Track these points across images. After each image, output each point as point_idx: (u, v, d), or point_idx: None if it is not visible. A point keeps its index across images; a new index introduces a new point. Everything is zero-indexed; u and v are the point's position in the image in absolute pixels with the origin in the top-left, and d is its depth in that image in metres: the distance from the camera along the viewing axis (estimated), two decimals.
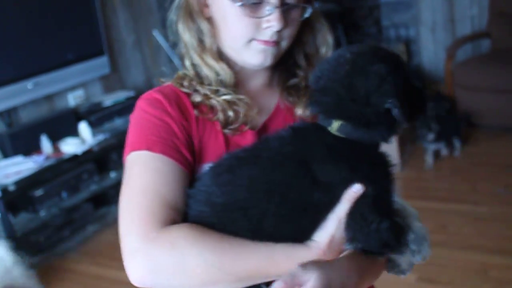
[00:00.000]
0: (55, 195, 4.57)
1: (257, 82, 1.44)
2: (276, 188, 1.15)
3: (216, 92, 1.37)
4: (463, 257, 3.70)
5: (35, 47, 4.89)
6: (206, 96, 1.36)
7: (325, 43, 1.44)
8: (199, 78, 1.40)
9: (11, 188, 4.21)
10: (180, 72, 1.45)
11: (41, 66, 4.93)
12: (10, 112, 4.80)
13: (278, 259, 1.11)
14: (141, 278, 1.13)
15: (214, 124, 1.35)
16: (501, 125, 5.53)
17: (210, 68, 1.37)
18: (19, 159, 4.51)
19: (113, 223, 4.91)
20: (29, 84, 4.80)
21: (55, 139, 4.78)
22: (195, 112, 1.34)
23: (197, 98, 1.36)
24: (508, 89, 5.38)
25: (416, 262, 1.23)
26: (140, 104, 1.37)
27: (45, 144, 4.65)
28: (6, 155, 4.60)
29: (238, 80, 1.40)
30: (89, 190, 4.85)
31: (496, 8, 6.00)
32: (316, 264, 1.07)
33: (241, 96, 1.37)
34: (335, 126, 1.18)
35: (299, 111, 1.40)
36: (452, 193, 4.50)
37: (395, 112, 1.15)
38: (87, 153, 4.79)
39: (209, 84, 1.38)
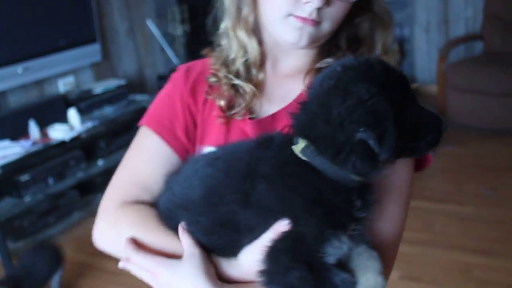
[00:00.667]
0: (41, 181, 4.55)
1: (289, 64, 1.35)
2: (213, 197, 1.11)
3: (228, 75, 1.34)
4: (447, 256, 3.72)
5: (27, 31, 4.85)
6: (219, 78, 1.35)
7: (383, 30, 1.31)
8: (226, 59, 1.36)
9: None
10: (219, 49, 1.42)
11: (32, 51, 4.89)
12: None
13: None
14: (94, 241, 1.33)
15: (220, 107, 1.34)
16: (490, 127, 5.56)
17: (239, 42, 1.33)
18: (5, 143, 4.48)
19: None
20: (19, 68, 4.76)
21: (43, 125, 4.75)
22: (205, 89, 1.37)
23: (212, 79, 1.36)
24: (499, 92, 5.40)
25: None
26: (171, 75, 1.43)
27: (33, 129, 4.62)
28: None
29: (269, 59, 1.35)
30: (75, 177, 4.82)
31: (490, 10, 6.02)
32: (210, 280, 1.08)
33: (248, 85, 1.33)
34: (300, 146, 1.06)
35: None
36: (438, 193, 4.51)
37: (371, 143, 0.99)
38: (75, 140, 4.77)
39: (230, 65, 1.35)
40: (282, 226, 1.02)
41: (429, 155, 1.26)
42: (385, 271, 1.14)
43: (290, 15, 1.21)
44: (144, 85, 6.30)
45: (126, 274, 3.99)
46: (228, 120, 1.33)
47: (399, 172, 1.21)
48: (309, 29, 1.22)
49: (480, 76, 5.52)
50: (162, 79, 5.92)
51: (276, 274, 1.02)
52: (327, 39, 1.29)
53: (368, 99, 1.00)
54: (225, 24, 1.36)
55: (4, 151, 4.36)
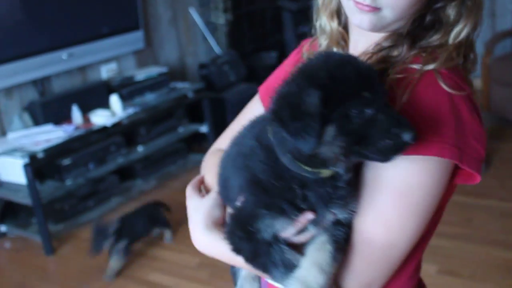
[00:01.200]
0: (82, 165, 4.63)
1: (361, 46, 1.35)
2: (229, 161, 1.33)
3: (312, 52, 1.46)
4: (487, 252, 3.65)
5: (72, 18, 4.93)
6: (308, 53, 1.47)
7: (465, 19, 1.24)
8: (314, 38, 1.49)
9: (40, 155, 4.26)
10: None
11: (76, 37, 4.98)
12: (43, 81, 4.86)
13: None
14: None
15: None
16: None
17: (323, 22, 1.42)
18: (49, 127, 4.56)
19: (138, 196, 4.96)
20: (63, 54, 4.84)
21: (85, 110, 4.82)
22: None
23: (305, 55, 1.48)
24: None
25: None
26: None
27: (76, 114, 4.69)
28: (37, 123, 4.66)
29: (352, 40, 1.38)
30: (115, 162, 4.90)
31: None
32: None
33: None
34: (271, 128, 1.14)
35: None
36: (479, 188, 4.41)
37: (286, 137, 1.08)
38: (116, 126, 4.83)
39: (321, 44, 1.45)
40: (239, 198, 1.21)
41: (475, 174, 1.18)
42: (354, 272, 1.19)
43: None
44: (185, 73, 6.34)
45: (163, 259, 4.06)
46: None
47: (398, 175, 1.16)
48: (368, 15, 1.22)
49: None
50: (203, 67, 5.95)
51: (227, 233, 1.23)
52: (404, 23, 1.26)
53: (297, 93, 1.07)
54: (316, 6, 1.46)
55: (48, 135, 4.44)
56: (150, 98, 5.34)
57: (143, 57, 5.83)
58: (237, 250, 1.21)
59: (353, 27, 1.36)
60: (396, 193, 1.17)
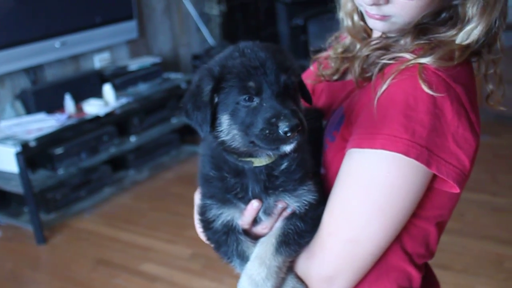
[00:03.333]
0: (74, 154, 4.60)
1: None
2: None
3: (328, 43, 1.54)
4: (479, 246, 3.67)
5: (65, 6, 4.89)
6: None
7: (480, 15, 1.21)
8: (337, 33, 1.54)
9: (32, 144, 4.23)
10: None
11: (70, 26, 4.94)
12: (36, 69, 4.82)
13: None
14: None
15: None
16: None
17: (346, 16, 1.44)
18: (41, 116, 4.54)
19: (130, 187, 4.95)
20: (56, 42, 4.81)
21: (78, 99, 4.80)
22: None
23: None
24: None
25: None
26: None
27: (68, 103, 4.66)
28: (29, 112, 4.63)
29: (375, 32, 1.40)
30: (108, 152, 4.88)
31: None
32: None
33: (334, 53, 1.48)
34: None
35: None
36: (472, 183, 4.41)
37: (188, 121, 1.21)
38: (109, 115, 4.81)
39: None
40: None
41: (450, 183, 1.16)
42: (316, 263, 1.23)
43: (361, 5, 1.29)
44: (178, 64, 6.31)
45: (155, 249, 4.04)
46: (316, 82, 1.49)
47: (365, 168, 1.16)
48: (379, 22, 1.25)
49: None
50: (197, 58, 5.93)
51: (197, 221, 1.31)
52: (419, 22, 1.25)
53: (197, 85, 1.17)
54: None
55: (40, 123, 4.41)
56: (143, 88, 5.32)
57: (137, 47, 5.80)
58: (207, 238, 1.30)
59: None
60: (361, 188, 1.17)
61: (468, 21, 1.22)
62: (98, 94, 4.95)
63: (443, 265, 3.43)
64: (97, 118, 4.72)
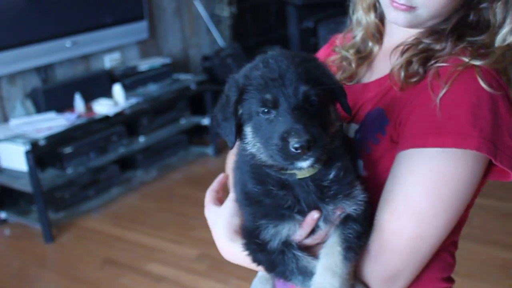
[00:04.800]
0: (83, 154, 4.62)
1: (396, 39, 1.39)
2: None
3: (340, 46, 1.53)
4: (485, 251, 3.67)
5: (77, 6, 4.93)
6: (338, 47, 1.54)
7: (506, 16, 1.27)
8: (347, 30, 1.55)
9: (42, 143, 4.26)
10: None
11: (81, 25, 4.97)
12: (47, 68, 4.85)
13: None
14: None
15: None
16: None
17: (359, 15, 1.47)
18: (51, 115, 4.56)
19: (138, 187, 4.97)
20: (67, 42, 4.84)
21: (88, 99, 4.82)
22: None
23: (336, 48, 1.54)
24: None
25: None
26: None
27: (78, 102, 4.69)
28: (39, 110, 4.66)
29: (387, 33, 1.45)
30: (117, 152, 4.89)
31: None
32: None
33: (349, 53, 1.48)
34: None
35: (393, 71, 1.32)
36: None
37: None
38: (119, 115, 4.83)
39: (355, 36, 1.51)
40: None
41: (507, 171, 1.20)
42: (379, 263, 1.20)
43: None
44: (188, 65, 6.33)
45: (161, 249, 4.05)
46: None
47: (433, 166, 1.18)
48: (403, 13, 1.28)
49: None
50: (207, 59, 5.94)
51: (243, 246, 1.23)
52: (440, 20, 1.31)
53: (225, 95, 1.17)
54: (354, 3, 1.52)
55: (50, 122, 4.44)
56: (152, 88, 5.34)
57: (147, 47, 5.82)
58: (256, 261, 1.23)
59: (391, 23, 1.40)
60: (430, 185, 1.18)
61: (501, 24, 1.27)
62: (108, 94, 4.97)
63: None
64: (106, 118, 4.75)
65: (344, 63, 1.49)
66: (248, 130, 1.14)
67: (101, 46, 5.22)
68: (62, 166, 4.50)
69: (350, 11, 1.52)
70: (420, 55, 1.29)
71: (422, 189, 1.18)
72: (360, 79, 1.46)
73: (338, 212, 1.18)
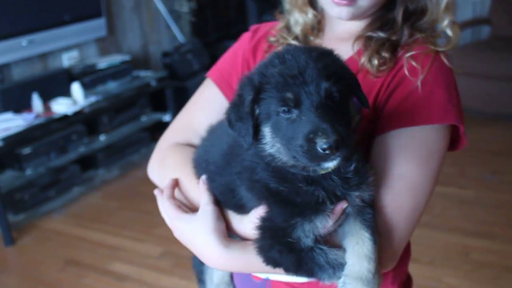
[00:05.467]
0: (43, 154, 4.56)
1: (345, 29, 1.45)
2: (225, 163, 1.26)
3: (285, 36, 1.52)
4: (446, 238, 3.73)
5: (33, 4, 4.83)
6: (277, 39, 1.53)
7: (436, 5, 1.40)
8: (288, 23, 1.54)
9: None
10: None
11: (37, 24, 4.88)
12: (3, 68, 4.77)
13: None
14: (148, 173, 1.57)
15: None
16: (493, 112, 5.54)
17: (300, 11, 1.50)
18: (8, 115, 4.49)
19: (100, 186, 4.92)
20: (23, 41, 4.76)
21: (46, 98, 4.75)
22: (264, 48, 1.55)
23: (272, 39, 1.54)
24: (503, 76, 5.36)
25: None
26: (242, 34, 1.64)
27: (36, 102, 4.62)
28: None
29: (328, 24, 1.50)
30: (77, 151, 4.84)
31: None
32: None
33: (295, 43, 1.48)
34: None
35: (363, 60, 1.37)
36: (440, 176, 4.50)
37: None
38: (78, 114, 4.77)
39: (291, 29, 1.52)
40: (260, 209, 1.17)
41: (464, 139, 1.35)
42: (388, 240, 1.24)
43: None
44: (148, 62, 6.28)
45: (124, 248, 4.03)
46: None
47: (425, 142, 1.27)
48: (345, 8, 1.34)
49: (485, 60, 5.49)
50: (167, 56, 5.91)
51: (263, 248, 1.17)
52: (379, 7, 1.39)
53: (239, 95, 1.13)
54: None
55: (7, 123, 4.36)
56: (112, 86, 5.28)
57: (106, 45, 5.76)
58: (275, 263, 1.18)
59: (328, 17, 1.47)
60: (421, 159, 1.27)
61: (437, 6, 1.39)
62: (66, 93, 4.91)
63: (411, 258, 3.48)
64: (65, 117, 4.68)
65: None
66: (266, 130, 1.09)
67: (58, 44, 5.14)
68: (21, 167, 4.43)
69: (285, 13, 1.55)
70: (385, 45, 1.37)
71: (415, 164, 1.27)
72: None
73: (358, 200, 1.19)
